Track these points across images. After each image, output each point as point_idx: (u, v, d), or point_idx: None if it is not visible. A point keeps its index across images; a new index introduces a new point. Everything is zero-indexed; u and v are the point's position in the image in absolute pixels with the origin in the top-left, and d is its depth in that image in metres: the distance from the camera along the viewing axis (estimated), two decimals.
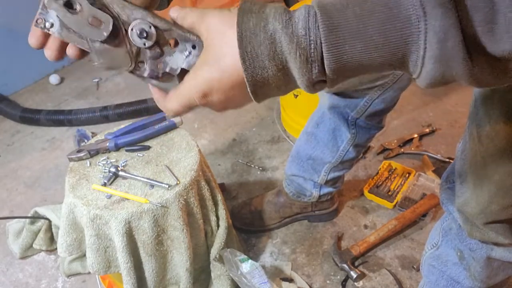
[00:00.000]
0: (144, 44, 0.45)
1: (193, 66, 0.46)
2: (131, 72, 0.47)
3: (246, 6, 0.39)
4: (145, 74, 0.47)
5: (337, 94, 1.11)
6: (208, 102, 0.43)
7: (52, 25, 0.44)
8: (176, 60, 0.46)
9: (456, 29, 0.33)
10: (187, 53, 0.46)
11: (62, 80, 2.37)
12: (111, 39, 0.45)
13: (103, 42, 0.45)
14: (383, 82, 1.02)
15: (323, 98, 1.17)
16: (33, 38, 0.45)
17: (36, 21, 0.44)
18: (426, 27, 0.33)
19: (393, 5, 0.34)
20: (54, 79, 2.33)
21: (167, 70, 0.47)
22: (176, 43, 0.46)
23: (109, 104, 2.06)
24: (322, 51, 0.36)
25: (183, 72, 0.47)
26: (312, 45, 0.36)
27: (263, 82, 0.39)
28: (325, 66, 0.37)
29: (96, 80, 2.35)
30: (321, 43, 0.35)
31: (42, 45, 0.46)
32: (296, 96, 1.68)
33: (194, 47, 0.46)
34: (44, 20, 0.44)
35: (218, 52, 0.40)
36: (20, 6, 2.17)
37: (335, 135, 1.20)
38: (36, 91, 2.31)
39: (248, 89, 0.40)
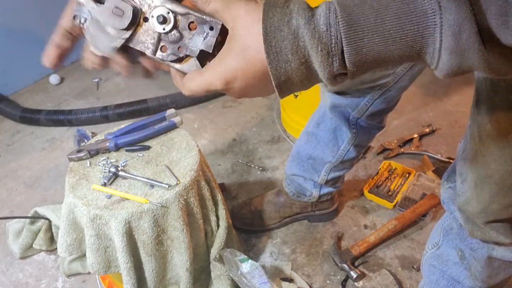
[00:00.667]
0: (164, 29, 0.48)
1: (211, 47, 0.48)
2: (154, 56, 0.49)
3: (271, 0, 0.41)
4: (167, 58, 0.49)
5: (338, 93, 1.11)
6: (229, 89, 0.46)
7: (85, 20, 0.48)
8: (195, 42, 0.48)
9: (471, 22, 0.34)
10: (204, 34, 0.48)
11: (62, 80, 2.37)
12: (132, 27, 0.48)
13: (125, 29, 0.47)
14: (384, 82, 1.02)
15: (324, 97, 1.17)
16: (48, 59, 0.51)
17: (73, 18, 0.48)
18: (441, 21, 0.35)
19: (409, 0, 0.35)
20: (54, 79, 2.33)
21: (187, 52, 0.49)
22: (194, 26, 0.48)
23: (109, 104, 2.06)
24: (342, 46, 0.38)
25: (202, 54, 0.49)
26: (333, 40, 0.38)
27: (286, 75, 0.41)
28: (346, 59, 0.39)
29: (96, 80, 2.35)
30: (341, 38, 0.38)
31: (57, 65, 0.51)
32: (296, 96, 1.68)
33: (211, 28, 0.48)
34: (80, 16, 0.48)
35: (245, 43, 0.42)
36: (20, 6, 2.17)
37: (335, 134, 1.20)
38: (36, 91, 2.31)
39: (273, 82, 0.42)
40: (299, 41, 0.39)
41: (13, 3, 2.13)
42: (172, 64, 0.50)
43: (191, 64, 0.50)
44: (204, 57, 0.49)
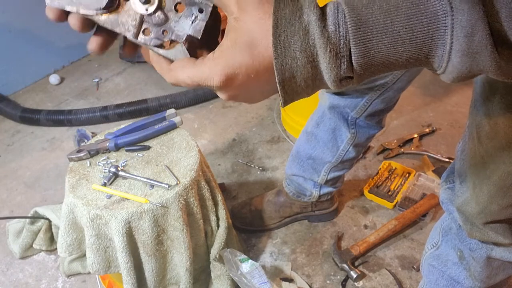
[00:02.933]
0: (147, 10, 0.43)
1: (200, 32, 0.44)
2: (135, 40, 0.44)
3: None
4: (150, 43, 0.44)
5: (337, 94, 1.11)
6: (226, 87, 0.41)
7: None
8: (182, 26, 0.44)
9: (484, 23, 0.33)
10: (193, 17, 0.44)
11: (62, 80, 2.37)
12: (112, 7, 0.43)
13: (103, 9, 0.43)
14: (383, 82, 1.02)
15: (323, 98, 1.17)
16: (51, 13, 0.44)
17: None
18: (452, 22, 0.34)
19: (419, 1, 0.34)
20: (54, 79, 2.33)
21: (173, 37, 0.44)
22: (182, 8, 0.44)
23: (109, 104, 2.06)
24: (350, 47, 0.37)
25: (190, 39, 0.44)
26: (342, 40, 0.36)
27: (291, 72, 0.39)
28: (353, 61, 0.37)
29: (96, 80, 2.35)
30: (349, 38, 0.36)
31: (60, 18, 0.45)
32: None
33: (201, 11, 0.43)
34: None
35: (253, 39, 0.39)
36: (20, 6, 2.17)
37: (335, 134, 1.20)
38: (36, 91, 2.31)
39: (277, 78, 0.39)
40: (309, 38, 0.37)
41: (13, 3, 2.14)
42: (155, 49, 0.45)
43: (178, 50, 0.45)
44: (192, 44, 0.45)
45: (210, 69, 0.41)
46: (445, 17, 0.34)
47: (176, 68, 0.43)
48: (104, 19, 0.43)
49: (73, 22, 0.44)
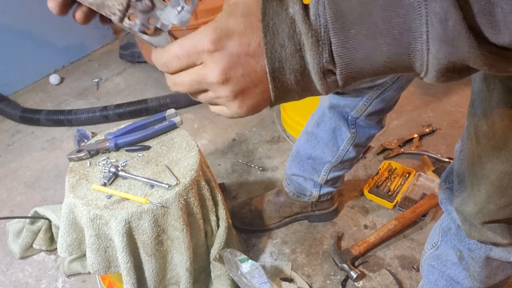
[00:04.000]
0: None
1: (185, 24, 0.44)
2: (121, 24, 0.44)
3: None
4: (135, 28, 0.45)
5: (336, 93, 1.11)
6: (218, 51, 0.40)
7: None
8: (168, 15, 0.44)
9: (456, 8, 0.33)
10: (179, 8, 0.44)
11: (62, 80, 2.37)
12: None
13: None
14: (383, 82, 1.03)
15: (323, 97, 1.18)
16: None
17: None
18: (427, 10, 0.34)
19: None
20: (54, 79, 2.33)
21: (158, 25, 0.45)
22: None
23: (109, 104, 2.06)
24: (330, 36, 0.37)
25: (173, 33, 0.44)
26: (322, 29, 0.37)
27: (281, 62, 0.39)
28: (333, 51, 0.38)
29: (96, 80, 2.35)
30: (329, 28, 0.37)
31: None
32: None
33: (187, 2, 0.44)
34: None
35: (249, 8, 0.40)
36: (20, 6, 2.17)
37: (335, 134, 1.20)
38: (36, 91, 2.31)
39: (267, 67, 0.40)
40: (296, 27, 0.38)
41: (13, 3, 2.14)
42: (140, 34, 0.45)
43: (162, 38, 0.45)
44: (177, 35, 0.44)
45: (201, 31, 0.40)
46: (419, 7, 0.34)
47: (166, 48, 0.43)
48: (91, 0, 0.43)
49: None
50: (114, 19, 0.44)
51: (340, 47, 0.38)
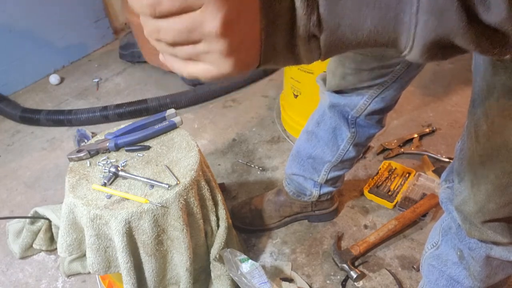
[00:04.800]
0: None
1: None
2: None
3: None
4: None
5: (337, 92, 1.11)
6: None
7: None
8: None
9: None
10: None
11: (62, 80, 2.37)
12: None
13: None
14: (383, 81, 1.03)
15: (324, 97, 1.18)
16: None
17: None
18: None
19: None
20: (54, 79, 2.33)
21: None
22: None
23: (109, 104, 2.06)
24: (318, 2, 0.36)
25: None
26: None
27: (275, 16, 0.37)
28: (320, 15, 0.36)
29: (96, 80, 2.35)
30: None
31: None
32: (296, 96, 1.68)
33: None
34: None
35: None
36: (20, 6, 2.17)
37: (335, 134, 1.20)
38: (36, 91, 2.31)
39: (263, 22, 0.37)
40: None
41: (13, 3, 2.14)
42: None
43: None
44: None
45: None
46: None
47: None
48: None
49: None
50: None
51: (327, 11, 0.36)
